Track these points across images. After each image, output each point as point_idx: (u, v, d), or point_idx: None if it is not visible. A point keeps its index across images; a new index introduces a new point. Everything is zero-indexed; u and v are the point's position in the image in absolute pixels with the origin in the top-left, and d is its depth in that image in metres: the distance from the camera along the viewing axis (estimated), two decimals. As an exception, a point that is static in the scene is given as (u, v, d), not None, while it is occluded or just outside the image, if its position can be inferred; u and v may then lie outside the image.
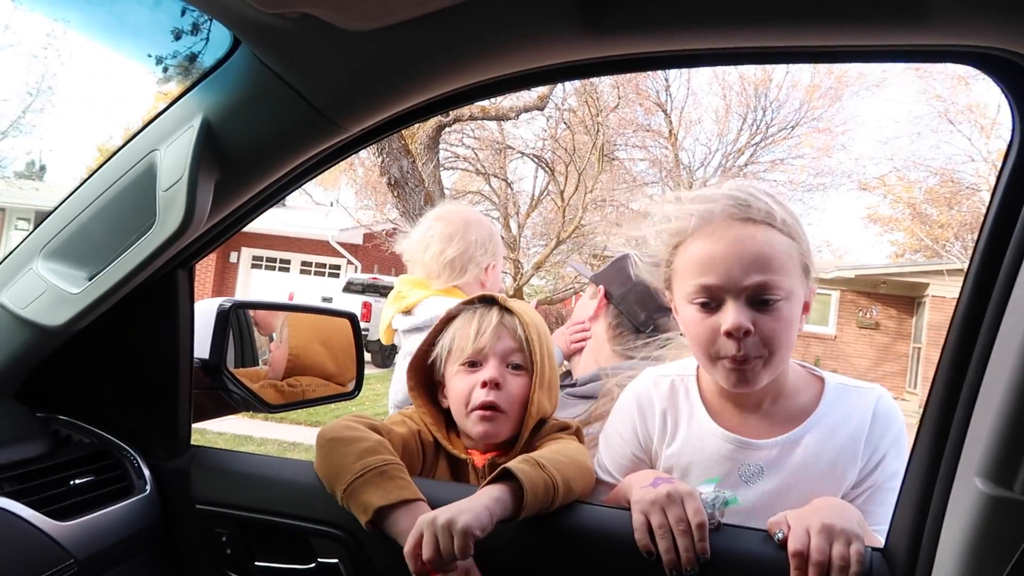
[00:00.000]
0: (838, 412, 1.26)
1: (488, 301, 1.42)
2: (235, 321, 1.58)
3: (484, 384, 1.32)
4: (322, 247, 20.39)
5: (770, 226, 1.20)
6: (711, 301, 1.19)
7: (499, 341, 1.36)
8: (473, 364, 1.35)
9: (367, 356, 13.79)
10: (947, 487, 0.97)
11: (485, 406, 1.31)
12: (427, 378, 1.44)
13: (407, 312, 2.17)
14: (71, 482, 1.14)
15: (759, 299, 1.17)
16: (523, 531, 1.14)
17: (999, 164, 0.99)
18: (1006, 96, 0.95)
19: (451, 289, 2.18)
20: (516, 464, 1.13)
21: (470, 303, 1.43)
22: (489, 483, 1.12)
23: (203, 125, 1.02)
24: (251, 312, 1.71)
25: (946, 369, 0.98)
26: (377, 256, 19.99)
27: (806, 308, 1.26)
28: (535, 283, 18.19)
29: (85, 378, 1.29)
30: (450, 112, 9.04)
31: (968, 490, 0.93)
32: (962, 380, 0.96)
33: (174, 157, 1.03)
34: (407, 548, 1.05)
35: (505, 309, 1.40)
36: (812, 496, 1.17)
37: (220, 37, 1.02)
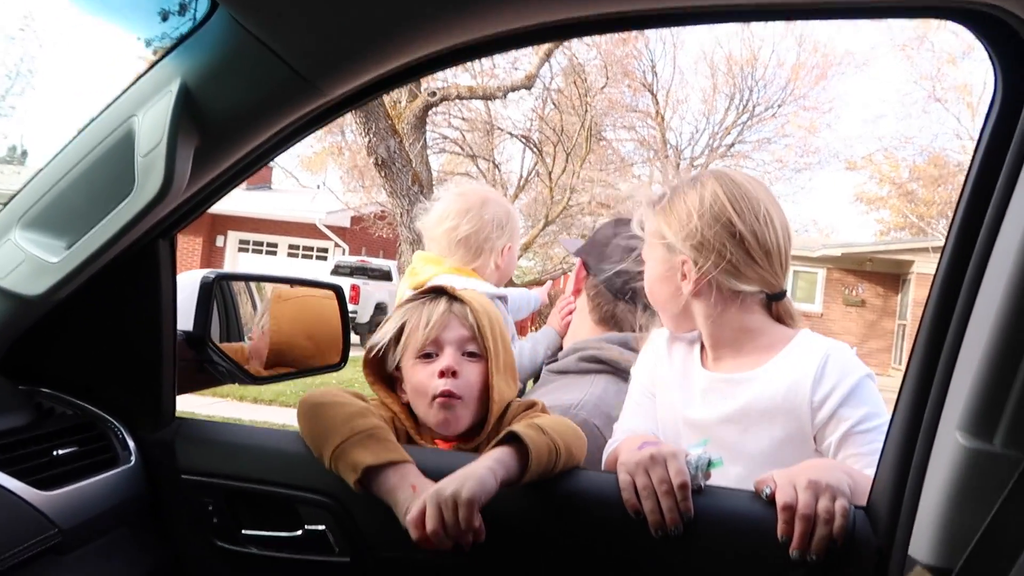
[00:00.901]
0: (792, 359, 1.33)
1: (437, 292, 1.42)
2: (219, 294, 1.56)
3: (442, 373, 1.31)
4: (309, 230, 20.30)
5: None
6: None
7: (451, 330, 1.35)
8: (428, 355, 1.35)
9: (355, 339, 13.79)
10: (928, 443, 0.98)
11: (444, 394, 1.31)
12: (382, 370, 1.43)
13: (419, 288, 2.16)
14: (54, 452, 1.13)
15: None
16: (521, 497, 1.14)
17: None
18: (990, 55, 0.95)
19: (466, 269, 2.16)
20: (520, 428, 1.14)
21: (419, 295, 1.43)
22: (492, 447, 1.13)
23: (181, 90, 1.00)
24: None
25: (928, 327, 0.99)
26: (365, 239, 19.92)
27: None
28: (523, 264, 18.21)
29: (67, 351, 1.28)
30: (437, 92, 8.98)
31: (949, 445, 0.94)
32: (943, 338, 0.97)
33: (152, 122, 1.01)
34: (411, 516, 1.05)
35: (454, 298, 1.40)
36: (753, 430, 1.31)
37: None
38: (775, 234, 1.34)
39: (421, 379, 1.34)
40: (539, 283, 15.37)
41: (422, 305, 1.38)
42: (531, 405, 1.37)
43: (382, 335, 1.39)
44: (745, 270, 1.34)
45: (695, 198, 1.35)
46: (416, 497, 1.07)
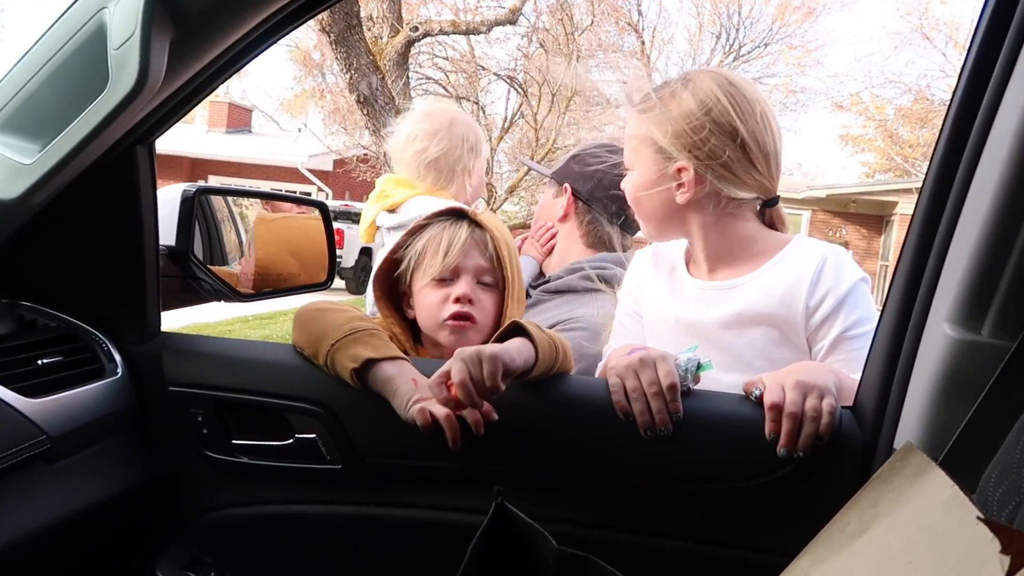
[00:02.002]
0: (789, 263, 1.31)
1: (458, 215, 1.39)
2: (201, 212, 1.53)
3: (457, 300, 1.31)
4: (291, 174, 20.00)
5: None
6: None
7: (470, 258, 1.34)
8: (443, 280, 1.34)
9: (340, 283, 13.73)
10: (917, 337, 0.99)
11: (459, 316, 1.31)
12: (392, 288, 1.43)
13: (392, 211, 2.13)
14: (39, 362, 1.11)
15: None
16: (509, 401, 1.14)
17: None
18: None
19: (438, 191, 2.13)
20: (522, 322, 1.14)
21: (439, 216, 1.41)
22: (498, 339, 1.13)
23: (154, -23, 0.96)
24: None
25: (919, 221, 0.99)
26: (348, 182, 19.68)
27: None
28: (508, 208, 18.07)
29: (47, 264, 1.25)
30: (419, 27, 8.76)
31: (938, 337, 0.94)
32: (934, 231, 0.97)
33: (124, 14, 0.96)
34: (433, 378, 1.04)
35: (475, 223, 1.37)
36: (748, 334, 1.29)
37: None
38: (772, 136, 1.30)
39: (433, 302, 1.33)
40: (524, 227, 15.30)
41: (443, 229, 1.35)
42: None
43: (407, 259, 1.37)
44: (744, 176, 1.29)
45: (691, 100, 1.28)
46: (417, 390, 1.08)
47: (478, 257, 1.34)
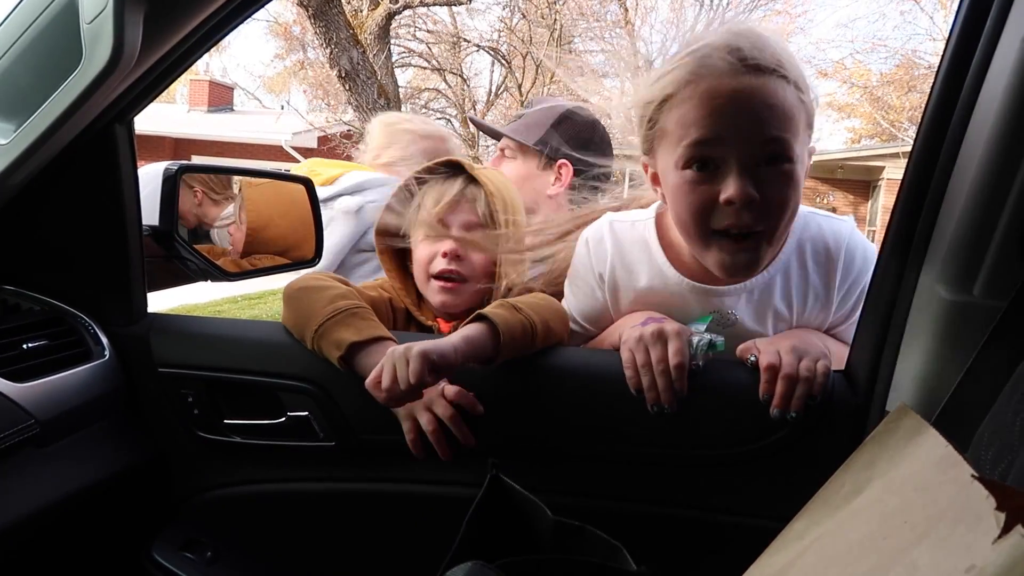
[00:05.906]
0: (806, 246, 1.20)
1: (456, 168, 1.37)
2: (184, 188, 1.50)
3: (444, 254, 1.30)
4: (275, 152, 19.75)
5: (782, 77, 1.04)
6: (710, 163, 1.05)
7: (460, 213, 1.32)
8: (435, 236, 1.33)
9: (329, 261, 13.64)
10: (908, 299, 0.98)
11: (444, 275, 1.30)
12: (395, 243, 1.42)
13: (328, 183, 2.08)
14: (23, 346, 1.10)
15: (769, 161, 1.04)
16: (506, 377, 1.14)
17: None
18: None
19: (375, 166, 2.11)
20: (490, 309, 1.12)
21: (437, 167, 1.38)
22: (463, 326, 1.11)
23: (124, -52, 0.93)
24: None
25: (909, 183, 0.98)
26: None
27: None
28: (495, 181, 17.98)
29: (28, 247, 1.23)
30: (399, -1, 8.63)
31: (930, 299, 0.94)
32: (925, 193, 0.96)
33: (96, -14, 0.94)
34: (368, 379, 1.04)
35: (472, 178, 1.34)
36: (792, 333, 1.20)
37: None
38: None
39: (424, 256, 1.33)
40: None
41: (438, 182, 1.35)
42: (529, 291, 1.34)
43: (408, 218, 1.37)
44: None
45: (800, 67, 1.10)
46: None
47: (468, 212, 1.32)
